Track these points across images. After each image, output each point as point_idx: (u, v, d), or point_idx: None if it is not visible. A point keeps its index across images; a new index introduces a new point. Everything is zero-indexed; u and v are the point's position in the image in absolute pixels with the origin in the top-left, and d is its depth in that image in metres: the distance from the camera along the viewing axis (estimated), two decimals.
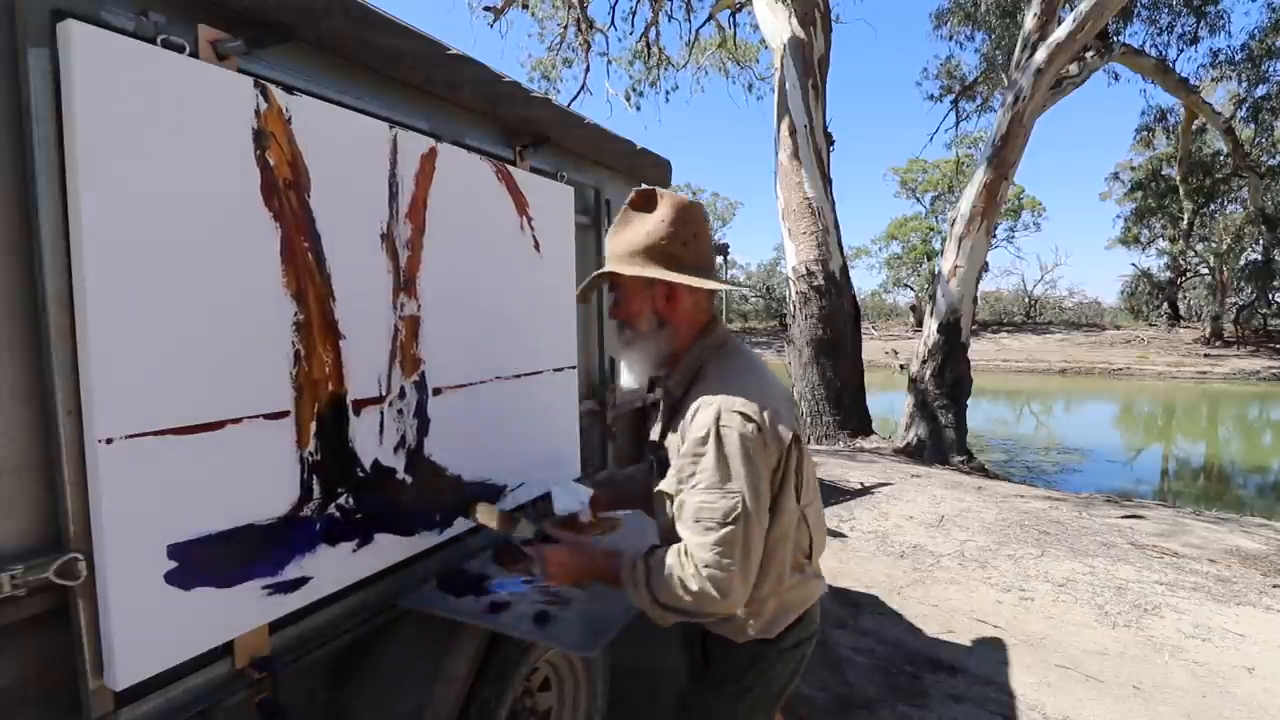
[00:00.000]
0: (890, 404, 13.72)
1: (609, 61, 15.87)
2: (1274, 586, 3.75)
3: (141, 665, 1.07)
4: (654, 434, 1.43)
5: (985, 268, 12.72)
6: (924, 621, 3.30)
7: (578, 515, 1.53)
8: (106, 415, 1.00)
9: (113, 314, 1.01)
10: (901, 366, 20.67)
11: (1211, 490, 9.27)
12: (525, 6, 14.23)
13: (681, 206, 1.27)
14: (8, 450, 0.95)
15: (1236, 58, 14.29)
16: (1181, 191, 22.81)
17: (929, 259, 34.30)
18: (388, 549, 1.54)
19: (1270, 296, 26.03)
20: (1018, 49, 8.36)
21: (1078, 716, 2.53)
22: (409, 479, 1.58)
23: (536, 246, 2.03)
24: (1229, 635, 3.16)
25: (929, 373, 8.42)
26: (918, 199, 37.20)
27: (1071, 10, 7.79)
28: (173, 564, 1.10)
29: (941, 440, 8.21)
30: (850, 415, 8.95)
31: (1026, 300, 39.54)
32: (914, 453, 8.22)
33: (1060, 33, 7.65)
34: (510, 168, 1.91)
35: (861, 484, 6.08)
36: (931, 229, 35.73)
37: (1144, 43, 12.76)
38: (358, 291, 1.43)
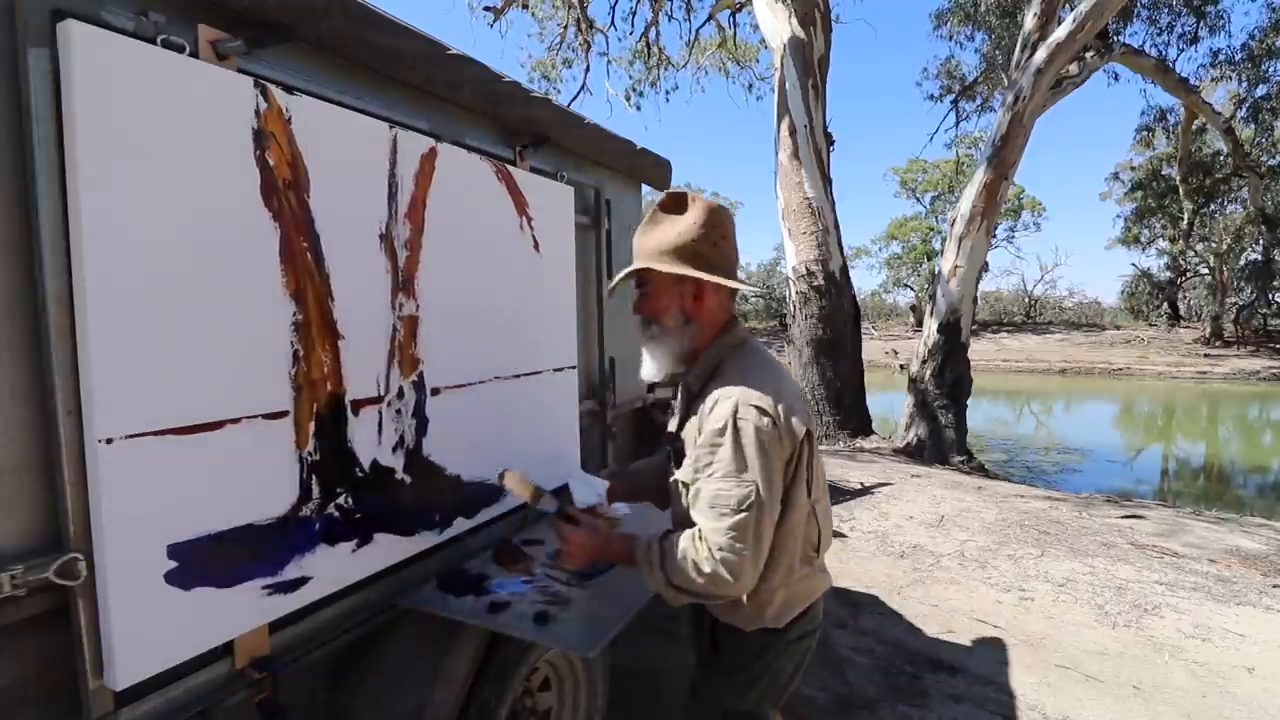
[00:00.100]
0: (890, 404, 13.72)
1: (609, 61, 15.87)
2: (1274, 586, 3.75)
3: (141, 665, 1.07)
4: (671, 426, 1.49)
5: (985, 268, 12.74)
6: (924, 621, 3.30)
7: (596, 507, 1.58)
8: (106, 415, 1.00)
9: (112, 314, 1.01)
10: (901, 366, 20.67)
11: (1211, 490, 9.26)
12: (525, 6, 14.22)
13: (712, 210, 1.34)
14: (8, 450, 0.95)
15: (1236, 58, 14.27)
16: (1181, 191, 22.78)
17: (929, 259, 34.28)
18: (387, 549, 1.54)
19: (1270, 296, 26.01)
20: (1018, 49, 8.35)
21: (1078, 716, 2.53)
22: (408, 479, 1.58)
23: (536, 246, 2.03)
24: (1229, 635, 3.16)
25: (929, 373, 8.41)
26: (918, 199, 37.20)
27: (1071, 10, 7.79)
28: (173, 564, 1.10)
29: (941, 440, 8.20)
30: (850, 415, 8.95)
31: (1026, 300, 39.51)
32: (914, 453, 8.22)
33: (1060, 33, 7.65)
34: (510, 168, 1.91)
35: (861, 484, 6.08)
36: (931, 229, 35.71)
37: (1144, 43, 12.75)
38: (357, 291, 1.43)
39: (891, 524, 4.90)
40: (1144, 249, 30.02)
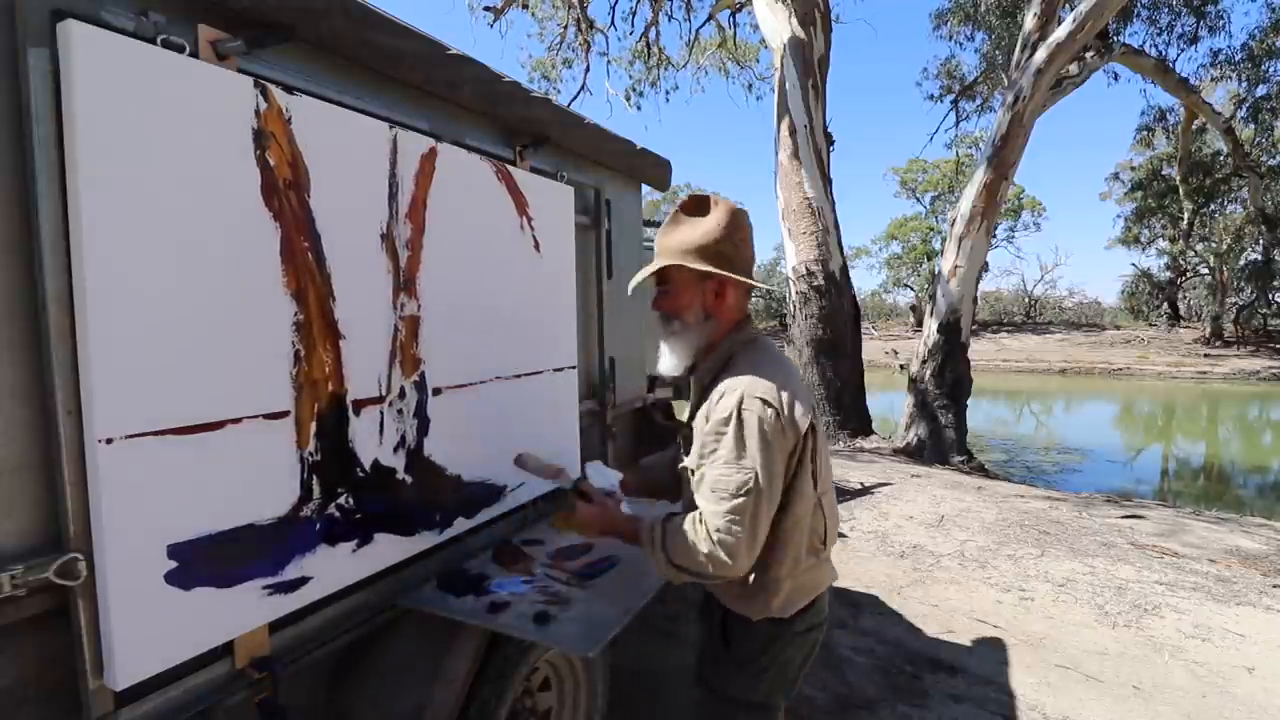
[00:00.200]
0: (890, 404, 13.71)
1: (609, 61, 15.87)
2: (1274, 586, 3.75)
3: (141, 665, 1.07)
4: (684, 416, 1.55)
5: (985, 268, 12.74)
6: (924, 621, 3.30)
7: (610, 493, 1.67)
8: (106, 415, 1.00)
9: (112, 314, 1.01)
10: (901, 366, 20.67)
11: (1211, 490, 9.26)
12: (525, 6, 14.21)
13: (734, 212, 1.39)
14: (8, 450, 0.95)
15: (1236, 58, 14.26)
16: (1181, 191, 22.79)
17: (929, 259, 34.27)
18: (388, 549, 1.54)
19: (1270, 296, 25.99)
20: (1018, 49, 8.35)
21: (1078, 716, 2.53)
22: (409, 479, 1.58)
23: (536, 246, 2.03)
24: (1229, 635, 3.16)
25: (929, 373, 8.41)
26: (918, 199, 37.17)
27: (1071, 10, 7.79)
28: (173, 564, 1.10)
29: (941, 440, 8.20)
30: (850, 415, 8.95)
31: (1026, 300, 39.48)
32: (914, 453, 8.22)
33: (1060, 33, 7.65)
34: (510, 168, 1.91)
35: (861, 484, 6.08)
36: (931, 229, 35.69)
37: (1144, 43, 12.75)
38: (358, 291, 1.43)
39: (891, 524, 4.90)
40: (1144, 249, 30.05)
